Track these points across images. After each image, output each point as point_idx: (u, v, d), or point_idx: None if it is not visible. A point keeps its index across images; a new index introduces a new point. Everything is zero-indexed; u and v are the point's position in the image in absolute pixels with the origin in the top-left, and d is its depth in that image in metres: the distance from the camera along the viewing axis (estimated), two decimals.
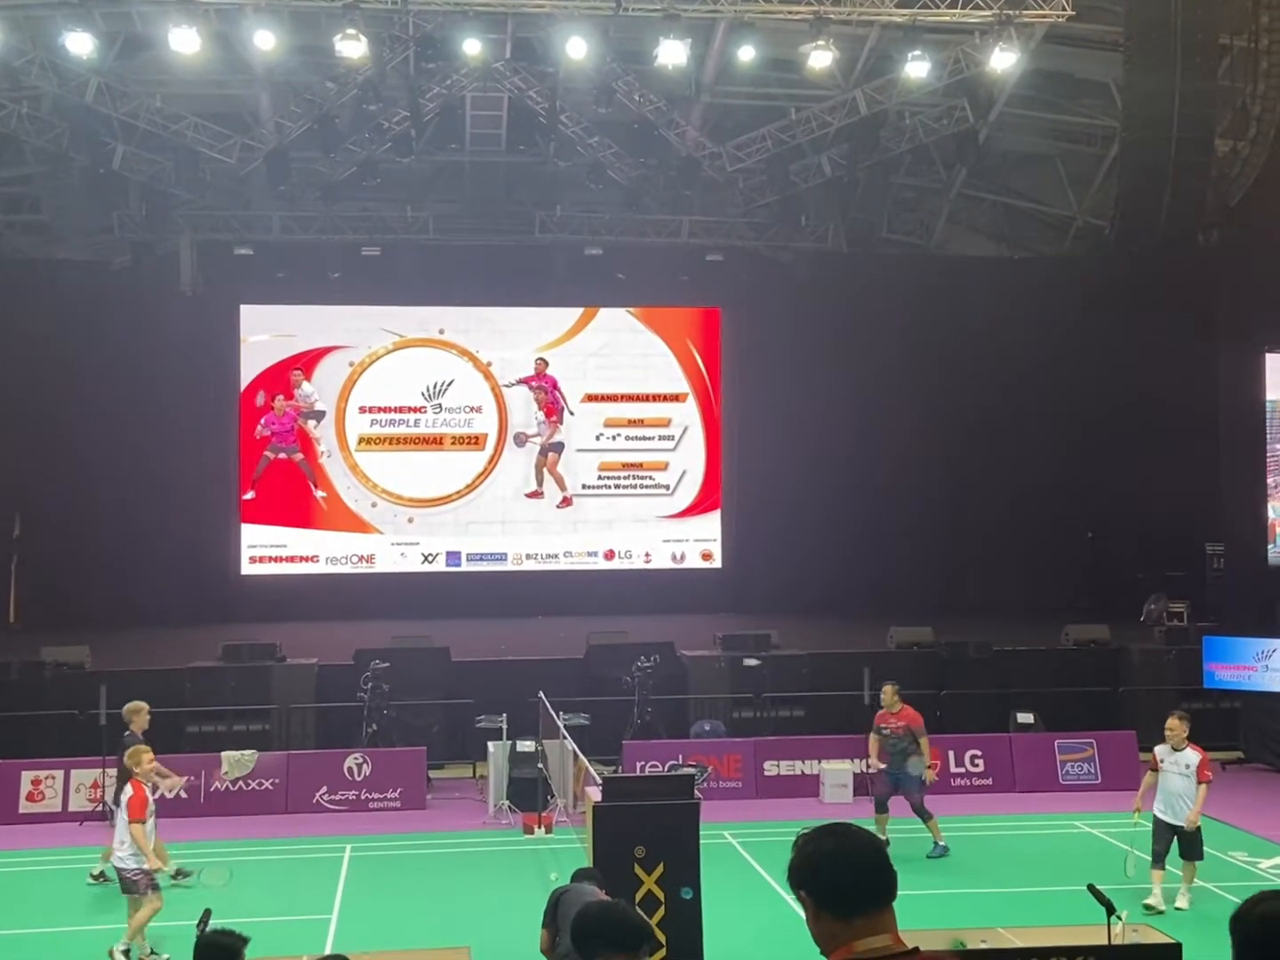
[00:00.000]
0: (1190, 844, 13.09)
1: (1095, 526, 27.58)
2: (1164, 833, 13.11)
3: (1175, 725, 13.24)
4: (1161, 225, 22.04)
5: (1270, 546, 23.21)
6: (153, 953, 11.97)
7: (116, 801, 13.79)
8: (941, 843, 15.39)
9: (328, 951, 11.19)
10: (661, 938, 10.11)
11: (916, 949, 3.37)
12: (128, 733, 14.96)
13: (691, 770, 16.69)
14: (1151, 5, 21.24)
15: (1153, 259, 23.46)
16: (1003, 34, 21.67)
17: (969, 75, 23.14)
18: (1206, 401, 24.53)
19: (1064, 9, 20.85)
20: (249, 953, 7.02)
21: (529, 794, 16.93)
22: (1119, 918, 8.40)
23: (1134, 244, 23.06)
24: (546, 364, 27.53)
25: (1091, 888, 8.44)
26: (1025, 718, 19.62)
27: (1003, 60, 22.02)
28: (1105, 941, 8.40)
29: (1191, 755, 13.16)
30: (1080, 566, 27.41)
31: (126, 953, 11.77)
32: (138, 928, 11.83)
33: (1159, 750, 13.33)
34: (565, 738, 17.04)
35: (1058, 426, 26.93)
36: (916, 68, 22.39)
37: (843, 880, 3.39)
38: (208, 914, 8.04)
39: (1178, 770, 13.12)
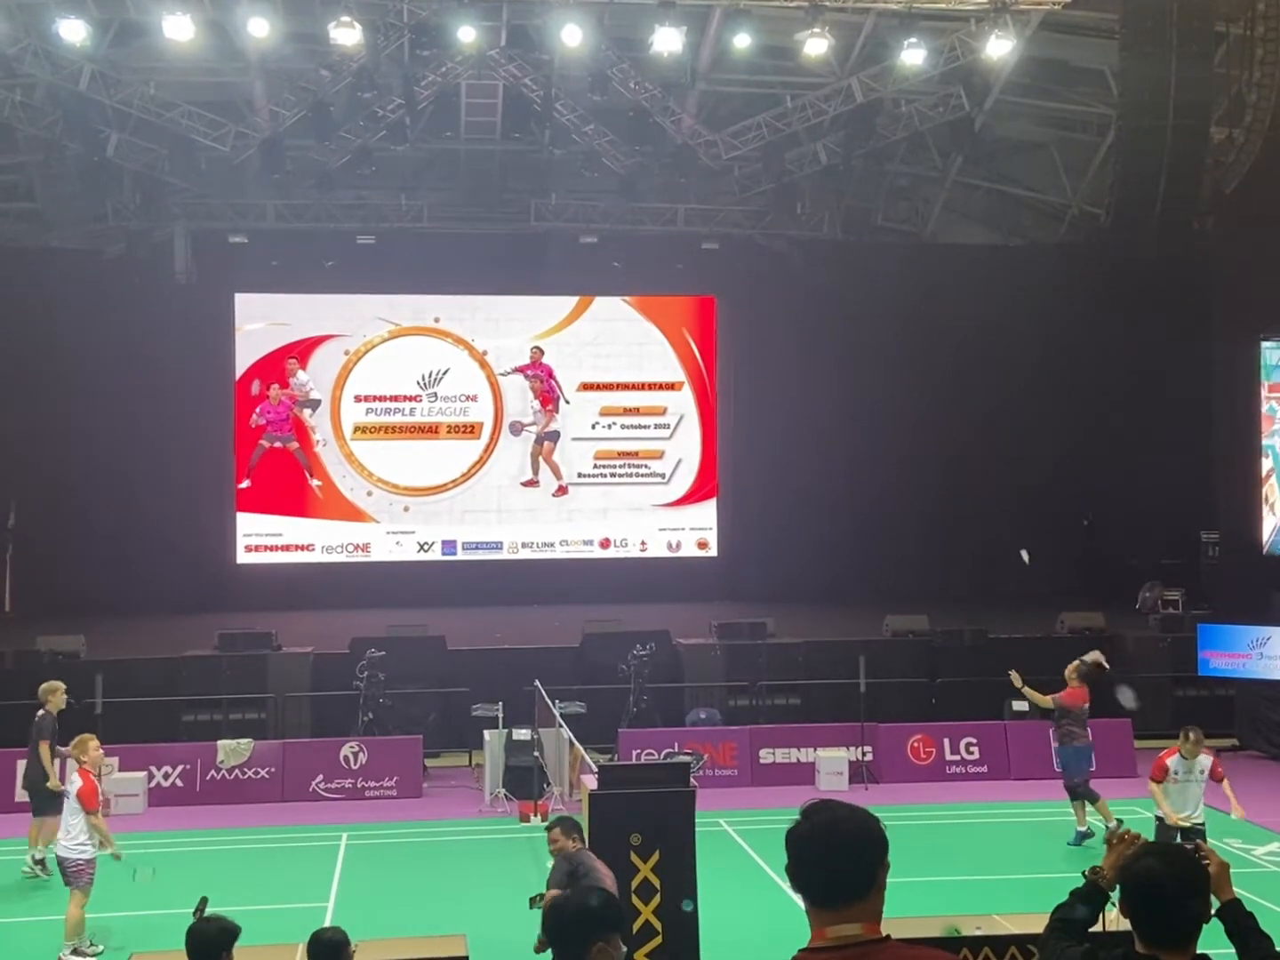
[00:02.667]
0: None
1: (1090, 514, 27.57)
2: (1175, 836, 12.99)
3: (1191, 747, 13.09)
4: (1157, 213, 22.04)
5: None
6: (91, 944, 11.87)
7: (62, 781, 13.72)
8: (1082, 829, 15.34)
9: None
10: (658, 925, 10.13)
11: (888, 937, 3.35)
12: (41, 713, 14.77)
13: (687, 758, 16.78)
14: None
15: (1148, 247, 23.43)
16: (998, 21, 21.65)
17: (965, 63, 23.14)
18: (1201, 389, 24.55)
19: None
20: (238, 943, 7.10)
21: (525, 782, 16.96)
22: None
23: (1130, 232, 23.04)
24: (542, 352, 27.48)
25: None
26: (1020, 705, 19.57)
27: (998, 48, 22.01)
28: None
29: (1204, 759, 13.20)
30: (1075, 554, 27.41)
31: (76, 951, 11.68)
32: (77, 923, 11.72)
33: (1171, 763, 13.15)
34: (561, 726, 17.06)
35: (1053, 414, 26.89)
36: (912, 55, 22.40)
37: (813, 868, 3.37)
38: (204, 902, 8.04)
39: (1195, 778, 13.12)
